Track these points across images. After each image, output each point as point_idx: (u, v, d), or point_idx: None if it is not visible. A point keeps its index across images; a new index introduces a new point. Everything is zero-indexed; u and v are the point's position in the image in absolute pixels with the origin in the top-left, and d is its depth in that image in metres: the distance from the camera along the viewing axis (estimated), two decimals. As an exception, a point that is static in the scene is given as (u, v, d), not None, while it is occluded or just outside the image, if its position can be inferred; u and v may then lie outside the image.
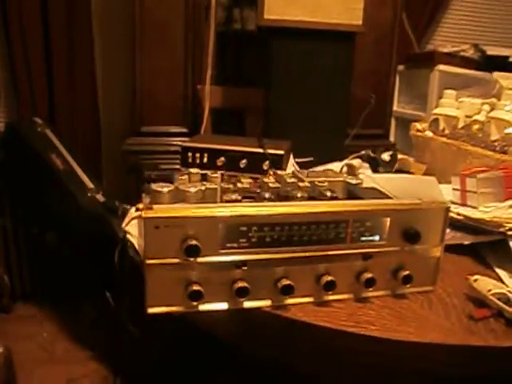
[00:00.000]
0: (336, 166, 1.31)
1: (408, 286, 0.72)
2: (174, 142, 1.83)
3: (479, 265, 0.85)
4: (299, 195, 0.77)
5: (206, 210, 0.64)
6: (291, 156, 1.39)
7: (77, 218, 1.58)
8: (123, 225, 1.00)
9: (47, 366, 1.70)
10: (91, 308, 1.69)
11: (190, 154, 1.27)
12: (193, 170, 0.93)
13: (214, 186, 0.83)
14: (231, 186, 0.86)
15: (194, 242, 0.63)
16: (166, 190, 0.75)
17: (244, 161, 1.25)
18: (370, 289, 0.71)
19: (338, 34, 1.48)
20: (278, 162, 1.25)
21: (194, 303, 0.66)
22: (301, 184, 0.87)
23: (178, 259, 0.64)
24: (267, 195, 0.77)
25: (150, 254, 0.64)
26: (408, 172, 1.28)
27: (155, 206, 0.65)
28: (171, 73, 1.85)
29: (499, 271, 0.81)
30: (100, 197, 1.56)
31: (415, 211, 0.70)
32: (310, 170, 1.19)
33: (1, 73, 1.95)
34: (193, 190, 0.76)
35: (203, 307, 0.67)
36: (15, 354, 1.70)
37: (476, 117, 1.28)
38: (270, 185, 0.86)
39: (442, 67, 2.29)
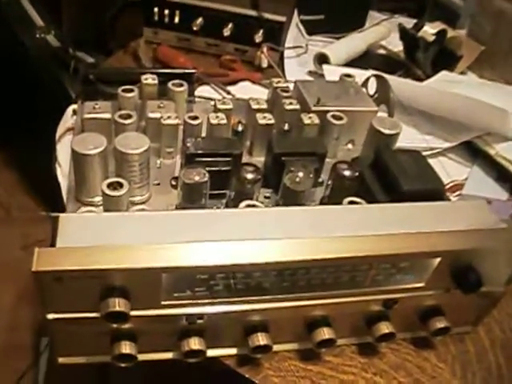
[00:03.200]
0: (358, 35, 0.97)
1: (439, 337, 0.49)
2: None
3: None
4: (300, 176, 0.49)
5: (140, 256, 0.37)
6: (295, 13, 1.04)
7: (23, 64, 1.25)
8: (57, 136, 0.72)
9: (2, 227, 1.53)
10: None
11: (156, 10, 0.92)
12: (146, 80, 0.63)
13: (172, 122, 0.55)
14: (198, 120, 0.57)
15: (117, 308, 0.37)
16: (93, 152, 0.48)
17: (230, 26, 0.91)
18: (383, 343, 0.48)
19: None
20: (276, 33, 0.91)
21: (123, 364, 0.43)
22: (306, 120, 0.59)
23: (98, 313, 0.39)
24: (250, 176, 0.49)
25: (51, 308, 0.39)
26: (455, 55, 0.94)
27: (59, 243, 0.38)
28: None
29: None
30: (51, 39, 1.22)
31: (483, 251, 0.44)
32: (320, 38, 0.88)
33: None
34: (137, 151, 0.49)
35: (140, 357, 0.44)
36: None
37: None
38: (260, 121, 0.58)
39: None
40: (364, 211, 0.46)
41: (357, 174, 0.50)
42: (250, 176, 0.48)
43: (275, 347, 0.46)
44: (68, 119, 0.73)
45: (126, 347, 0.42)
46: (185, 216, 0.43)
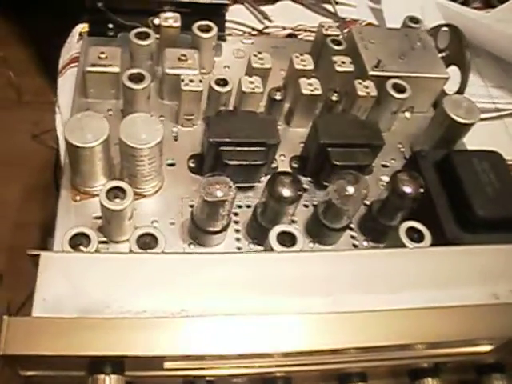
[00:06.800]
0: None
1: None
2: None
3: None
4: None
5: (139, 340, 0.29)
6: None
7: None
8: (59, 66, 0.61)
9: (13, 112, 1.41)
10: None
11: None
12: (166, 22, 0.50)
13: (195, 89, 0.44)
14: (227, 87, 0.46)
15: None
16: (92, 145, 0.38)
17: None
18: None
19: None
20: None
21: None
22: (360, 91, 0.48)
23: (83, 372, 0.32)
24: (287, 193, 0.38)
25: (26, 369, 0.32)
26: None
27: (36, 309, 0.30)
28: None
29: None
30: None
31: None
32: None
33: None
34: (147, 145, 0.39)
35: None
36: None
37: None
38: (304, 90, 0.47)
39: None
40: (428, 258, 0.36)
41: (421, 190, 0.40)
42: (287, 193, 0.38)
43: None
44: (73, 44, 0.61)
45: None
46: (197, 263, 0.33)
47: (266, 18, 0.69)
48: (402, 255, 0.35)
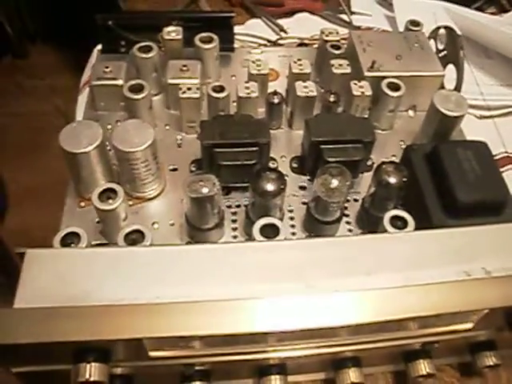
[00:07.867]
0: None
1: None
2: None
3: None
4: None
5: (119, 324, 0.30)
6: None
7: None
8: (81, 83, 0.64)
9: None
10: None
11: None
12: (168, 36, 0.53)
13: (192, 96, 0.46)
14: (224, 93, 0.48)
15: (90, 378, 0.31)
16: (87, 149, 0.41)
17: None
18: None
19: None
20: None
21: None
22: (355, 91, 0.48)
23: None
24: (271, 187, 0.39)
25: (15, 365, 0.34)
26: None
27: (18, 300, 0.32)
28: None
29: None
30: None
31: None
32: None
33: None
34: (139, 148, 0.41)
35: None
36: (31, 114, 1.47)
37: None
38: (299, 92, 0.49)
39: None
40: (404, 242, 0.36)
41: (404, 179, 0.40)
42: (270, 187, 0.39)
43: (292, 378, 0.39)
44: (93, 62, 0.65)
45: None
46: (182, 255, 0.35)
47: (282, 30, 0.71)
48: (380, 240, 0.36)
